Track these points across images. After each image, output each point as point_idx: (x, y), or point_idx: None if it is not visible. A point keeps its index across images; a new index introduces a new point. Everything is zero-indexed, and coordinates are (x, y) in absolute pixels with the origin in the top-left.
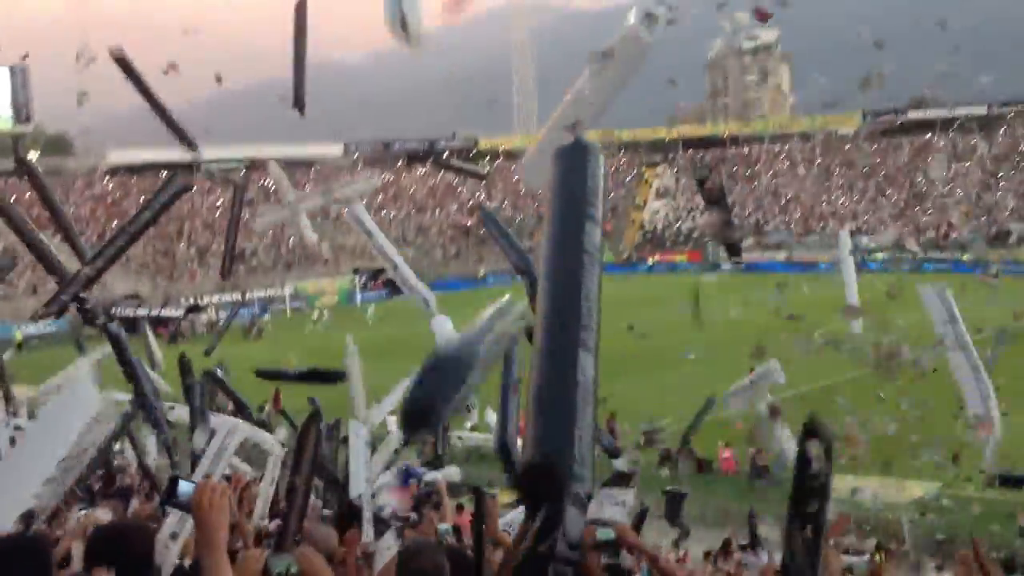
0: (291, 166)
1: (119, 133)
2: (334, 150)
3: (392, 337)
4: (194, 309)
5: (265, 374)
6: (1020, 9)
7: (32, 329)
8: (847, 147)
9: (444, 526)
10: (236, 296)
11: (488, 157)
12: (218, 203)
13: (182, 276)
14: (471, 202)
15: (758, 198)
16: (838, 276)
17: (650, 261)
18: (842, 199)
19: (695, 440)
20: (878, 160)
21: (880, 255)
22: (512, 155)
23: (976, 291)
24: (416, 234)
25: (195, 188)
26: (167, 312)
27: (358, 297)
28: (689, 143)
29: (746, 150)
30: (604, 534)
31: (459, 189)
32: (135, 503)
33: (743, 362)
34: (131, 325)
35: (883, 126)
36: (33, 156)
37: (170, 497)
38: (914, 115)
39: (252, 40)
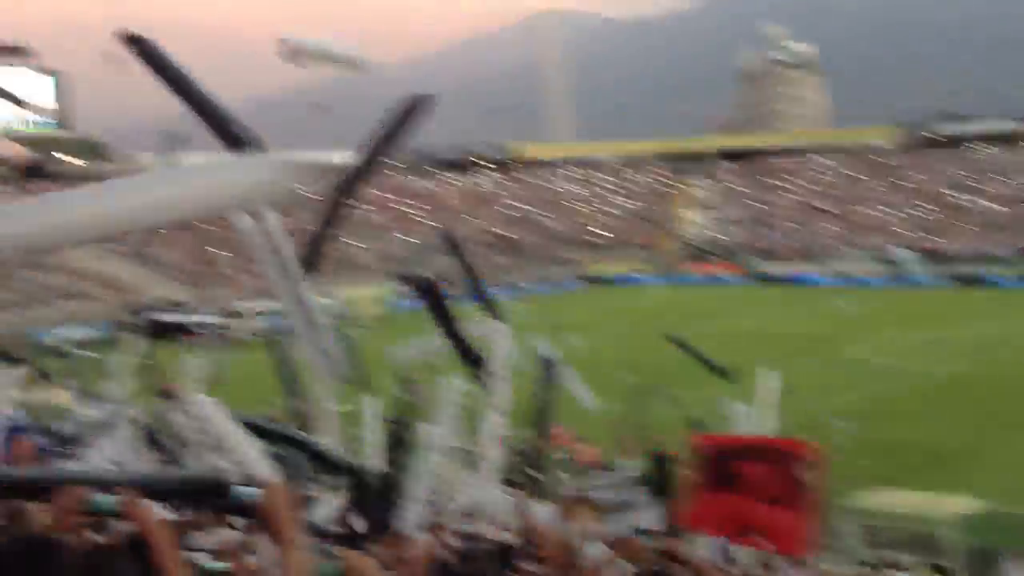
0: (323, 172)
1: (155, 138)
2: None
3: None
4: (234, 316)
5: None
6: None
7: (74, 334)
8: (882, 160)
9: None
10: (276, 304)
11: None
12: None
13: (224, 283)
14: (507, 210)
15: (793, 210)
16: (877, 291)
17: (689, 273)
18: (877, 211)
19: None
20: (912, 172)
21: (918, 268)
22: (546, 163)
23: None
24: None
25: None
26: (205, 319)
27: (399, 304)
28: (725, 155)
29: (783, 162)
30: None
31: (497, 197)
32: None
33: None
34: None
35: (917, 139)
36: (73, 161)
37: (225, 502)
38: (949, 128)
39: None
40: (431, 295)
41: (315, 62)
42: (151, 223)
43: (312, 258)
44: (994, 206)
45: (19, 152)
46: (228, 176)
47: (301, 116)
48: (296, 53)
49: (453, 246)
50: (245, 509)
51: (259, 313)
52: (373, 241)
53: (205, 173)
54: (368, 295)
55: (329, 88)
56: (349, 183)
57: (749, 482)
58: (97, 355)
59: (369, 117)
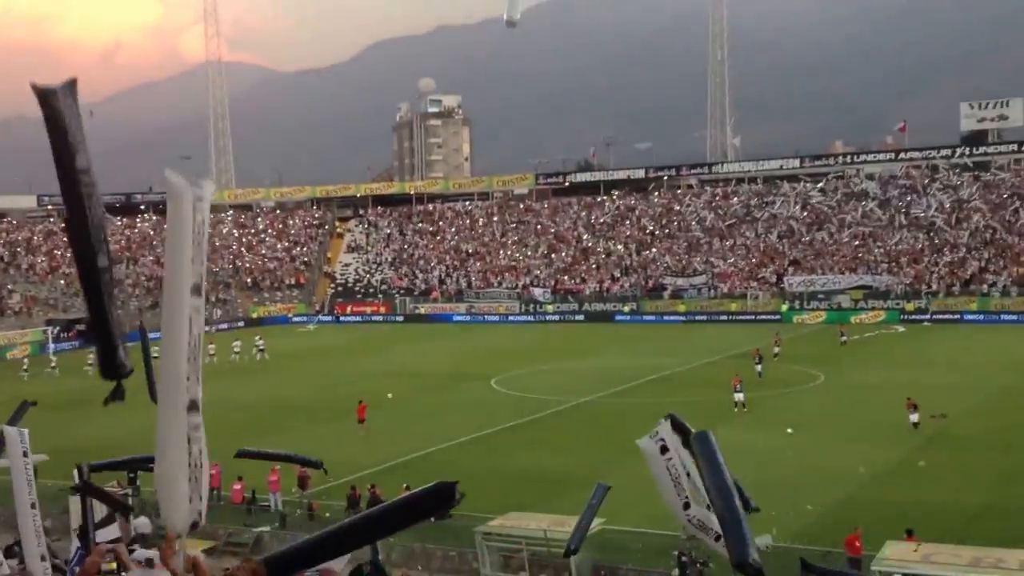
0: None
1: None
2: (27, 201)
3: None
4: None
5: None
6: (670, 85)
7: None
8: (521, 206)
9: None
10: None
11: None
12: None
13: None
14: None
15: (441, 253)
16: (515, 327)
17: (340, 313)
18: (517, 254)
19: (381, 483)
20: (547, 218)
21: (550, 307)
22: (212, 208)
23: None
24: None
25: None
26: None
27: (51, 348)
28: (378, 200)
29: (430, 207)
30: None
31: (154, 241)
32: None
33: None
34: None
35: (554, 187)
36: None
37: None
38: (581, 177)
39: None
40: None
41: None
42: None
43: None
44: (621, 248)
45: None
46: None
47: None
48: None
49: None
50: None
51: None
52: (29, 285)
53: None
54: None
55: None
56: None
57: None
58: None
59: (26, 164)
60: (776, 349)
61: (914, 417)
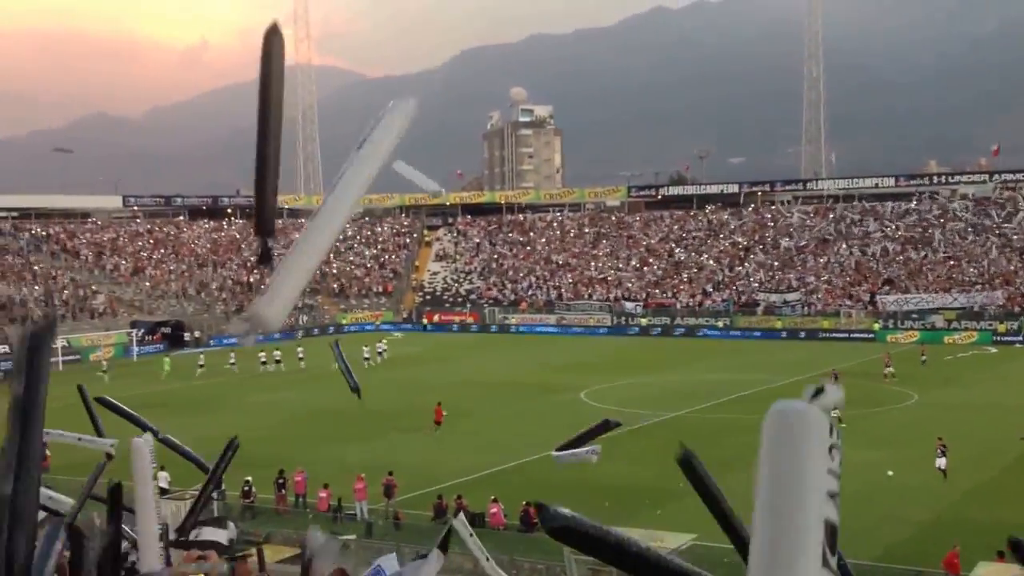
0: (68, 216)
1: None
2: (113, 202)
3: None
4: None
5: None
6: (762, 100)
7: None
8: (614, 218)
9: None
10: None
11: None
12: None
13: None
14: (253, 258)
15: (531, 264)
16: (604, 339)
17: (427, 322)
18: (609, 266)
19: (467, 494)
20: (640, 231)
21: (643, 320)
22: (296, 213)
23: (728, 356)
24: (198, 289)
25: None
26: None
27: (135, 350)
28: (467, 209)
29: (521, 217)
30: None
31: (241, 244)
32: None
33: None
34: None
35: (646, 199)
36: None
37: None
38: (674, 190)
39: (22, 88)
40: None
41: None
42: None
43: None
44: (713, 263)
45: None
46: None
47: (41, 160)
48: None
49: None
50: None
51: None
52: (114, 286)
53: None
54: (102, 340)
55: (69, 132)
56: None
57: None
58: None
59: (109, 163)
60: (888, 369)
61: (940, 462)
